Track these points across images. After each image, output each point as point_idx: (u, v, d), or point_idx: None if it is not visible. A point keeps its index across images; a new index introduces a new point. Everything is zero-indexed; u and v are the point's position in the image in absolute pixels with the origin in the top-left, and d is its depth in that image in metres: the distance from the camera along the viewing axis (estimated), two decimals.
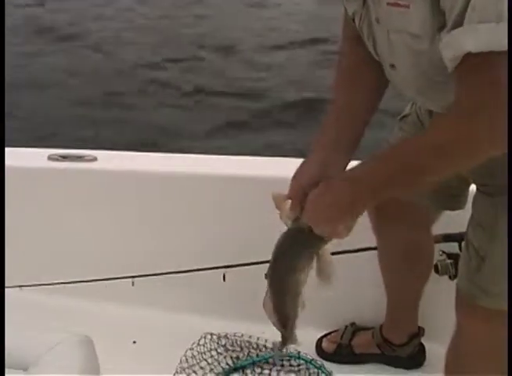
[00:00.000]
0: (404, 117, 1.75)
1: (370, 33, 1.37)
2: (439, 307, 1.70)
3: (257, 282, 1.91)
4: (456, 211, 1.80)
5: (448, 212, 1.83)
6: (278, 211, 1.44)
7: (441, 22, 1.12)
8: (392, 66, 1.35)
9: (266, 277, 1.47)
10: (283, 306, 1.47)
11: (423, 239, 1.99)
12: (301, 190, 1.39)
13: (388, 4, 1.21)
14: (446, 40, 1.10)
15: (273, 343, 1.58)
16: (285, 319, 1.48)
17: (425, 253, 2.02)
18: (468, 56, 1.06)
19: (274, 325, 1.50)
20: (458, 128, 1.12)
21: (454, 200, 1.77)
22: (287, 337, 1.52)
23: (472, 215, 1.56)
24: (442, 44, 1.12)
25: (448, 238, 1.99)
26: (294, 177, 1.44)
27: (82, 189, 2.40)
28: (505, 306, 1.55)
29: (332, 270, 1.40)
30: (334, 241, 1.38)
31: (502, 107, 1.05)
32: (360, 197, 1.27)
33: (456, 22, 1.05)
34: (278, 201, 1.43)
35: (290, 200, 1.40)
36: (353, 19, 1.42)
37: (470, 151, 1.14)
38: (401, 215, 1.84)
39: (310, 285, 1.99)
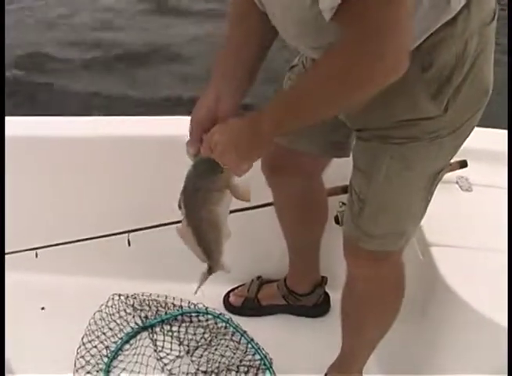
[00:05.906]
0: (292, 67, 1.76)
1: None
2: (342, 256, 1.75)
3: (162, 243, 1.91)
4: None
5: (346, 165, 1.86)
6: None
7: None
8: (273, 14, 1.37)
9: (179, 208, 1.45)
10: (205, 241, 1.48)
11: (315, 187, 2.03)
12: (199, 125, 1.43)
13: None
14: None
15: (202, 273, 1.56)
16: (209, 252, 1.50)
17: (319, 200, 2.06)
18: (343, 5, 1.08)
19: (198, 257, 1.51)
20: (346, 55, 1.14)
21: (339, 147, 1.80)
22: (213, 266, 1.53)
23: (353, 160, 1.59)
24: None
25: (347, 190, 2.04)
26: (193, 113, 1.46)
27: None
28: (387, 247, 1.62)
29: (247, 190, 1.41)
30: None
31: (383, 39, 1.08)
32: (263, 132, 1.29)
33: None
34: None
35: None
36: None
37: (359, 79, 1.16)
38: (292, 166, 1.86)
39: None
